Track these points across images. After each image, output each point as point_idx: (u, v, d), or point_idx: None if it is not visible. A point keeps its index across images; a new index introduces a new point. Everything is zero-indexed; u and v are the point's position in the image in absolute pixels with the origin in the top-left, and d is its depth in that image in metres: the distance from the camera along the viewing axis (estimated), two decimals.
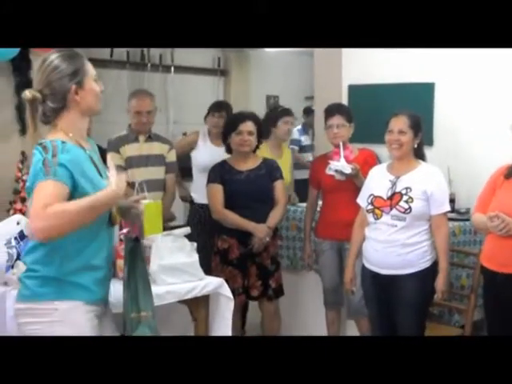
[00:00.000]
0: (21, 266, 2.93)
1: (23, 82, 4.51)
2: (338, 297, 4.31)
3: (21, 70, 4.72)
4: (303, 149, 7.76)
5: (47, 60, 2.44)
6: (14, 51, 4.45)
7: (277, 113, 5.01)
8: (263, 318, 4.39)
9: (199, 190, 4.70)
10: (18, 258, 3.08)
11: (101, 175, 2.52)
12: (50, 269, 2.41)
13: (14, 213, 3.82)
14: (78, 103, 2.46)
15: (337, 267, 4.25)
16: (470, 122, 4.47)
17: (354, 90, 4.94)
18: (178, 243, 3.27)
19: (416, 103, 4.33)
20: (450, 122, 4.53)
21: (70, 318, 2.40)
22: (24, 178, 3.96)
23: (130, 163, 4.37)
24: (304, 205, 4.68)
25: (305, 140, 7.90)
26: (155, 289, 2.96)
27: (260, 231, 4.11)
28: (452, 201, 4.19)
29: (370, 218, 3.62)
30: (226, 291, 3.34)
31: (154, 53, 8.28)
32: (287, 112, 4.98)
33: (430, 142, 4.43)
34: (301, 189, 5.28)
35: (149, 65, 8.27)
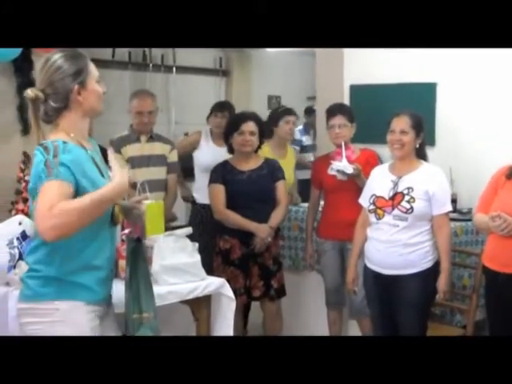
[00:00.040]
0: (23, 267, 2.93)
1: (25, 83, 4.50)
2: (340, 297, 4.31)
3: (23, 71, 4.71)
4: (304, 149, 7.75)
5: (50, 60, 2.44)
6: (15, 52, 4.45)
7: (278, 112, 5.00)
8: (265, 318, 4.39)
9: (201, 190, 4.71)
10: (20, 258, 3.08)
11: (102, 175, 2.52)
12: (52, 269, 2.41)
13: (16, 213, 3.81)
14: (81, 103, 2.46)
15: (339, 267, 4.25)
16: (471, 122, 4.47)
17: (355, 90, 4.94)
18: (179, 243, 3.27)
19: (418, 103, 4.32)
20: (452, 122, 4.53)
21: (70, 318, 2.40)
22: (26, 178, 3.95)
23: (131, 163, 4.36)
24: (306, 205, 4.68)
25: (306, 140, 7.88)
26: (157, 289, 2.97)
27: (262, 231, 4.11)
28: (454, 201, 4.19)
29: (372, 218, 3.62)
30: (228, 291, 3.35)
31: (156, 53, 8.29)
32: (288, 111, 4.97)
33: (432, 142, 4.42)
34: (302, 189, 5.28)
35: (151, 65, 8.27)
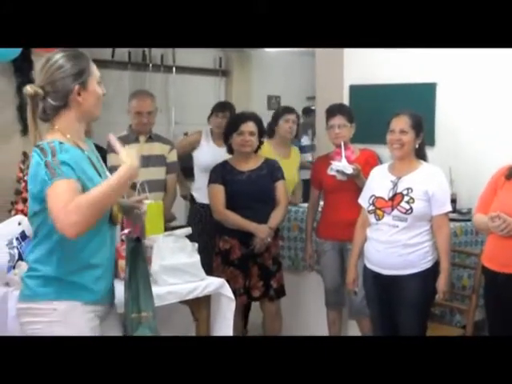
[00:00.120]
0: (22, 267, 2.94)
1: (25, 83, 4.46)
2: (340, 297, 4.31)
3: (22, 71, 4.71)
4: (302, 149, 7.72)
5: (51, 59, 2.42)
6: (15, 52, 4.45)
7: (278, 112, 5.01)
8: (265, 319, 4.39)
9: (201, 190, 4.71)
10: (20, 258, 3.08)
11: (100, 176, 2.50)
12: (51, 268, 2.40)
13: (16, 213, 3.80)
14: (80, 104, 2.45)
15: (338, 267, 4.25)
16: (471, 123, 4.47)
17: (355, 90, 4.94)
18: (179, 243, 3.27)
19: (417, 103, 4.32)
20: (452, 122, 4.53)
21: (69, 319, 2.40)
22: (26, 178, 3.94)
23: None
24: (305, 205, 4.68)
25: (304, 140, 7.88)
26: (156, 289, 2.96)
27: (261, 232, 4.11)
28: (453, 201, 4.18)
29: (372, 218, 3.62)
30: (228, 292, 3.34)
31: (156, 53, 8.29)
32: (288, 110, 4.97)
33: (432, 143, 4.42)
34: (302, 189, 5.29)
35: (150, 65, 8.27)
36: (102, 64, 6.11)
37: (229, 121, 4.51)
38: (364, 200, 3.71)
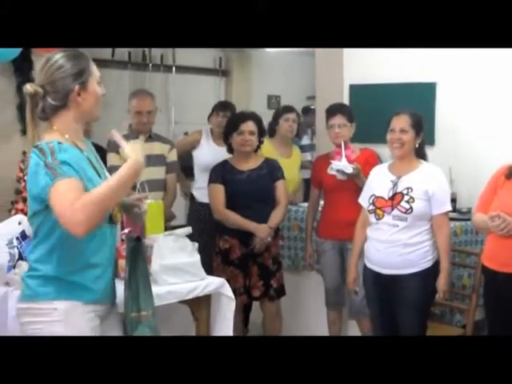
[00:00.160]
0: (23, 266, 2.94)
1: (25, 83, 4.48)
2: (340, 297, 4.32)
3: (22, 71, 4.72)
4: (302, 148, 7.72)
5: (52, 59, 2.42)
6: (15, 52, 4.45)
7: (278, 111, 5.02)
8: (265, 318, 4.39)
9: (201, 189, 4.72)
10: (20, 258, 3.08)
11: (99, 176, 2.50)
12: (51, 268, 2.40)
13: (16, 213, 3.80)
14: (79, 104, 2.44)
15: (338, 267, 4.25)
16: (471, 122, 4.47)
17: (355, 89, 4.94)
18: (179, 243, 3.27)
19: (417, 103, 4.32)
20: (452, 121, 4.53)
21: (69, 318, 2.39)
22: (25, 178, 3.94)
23: None
24: (305, 205, 4.68)
25: (304, 140, 7.88)
26: (156, 289, 2.97)
27: (261, 231, 4.11)
28: (453, 200, 4.19)
29: (372, 218, 3.62)
30: (228, 291, 3.34)
31: (156, 53, 8.29)
32: (288, 109, 4.98)
33: (432, 142, 4.42)
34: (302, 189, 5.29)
35: (150, 65, 8.27)
36: (101, 64, 6.11)
37: (229, 120, 4.51)
38: (364, 199, 3.72)
